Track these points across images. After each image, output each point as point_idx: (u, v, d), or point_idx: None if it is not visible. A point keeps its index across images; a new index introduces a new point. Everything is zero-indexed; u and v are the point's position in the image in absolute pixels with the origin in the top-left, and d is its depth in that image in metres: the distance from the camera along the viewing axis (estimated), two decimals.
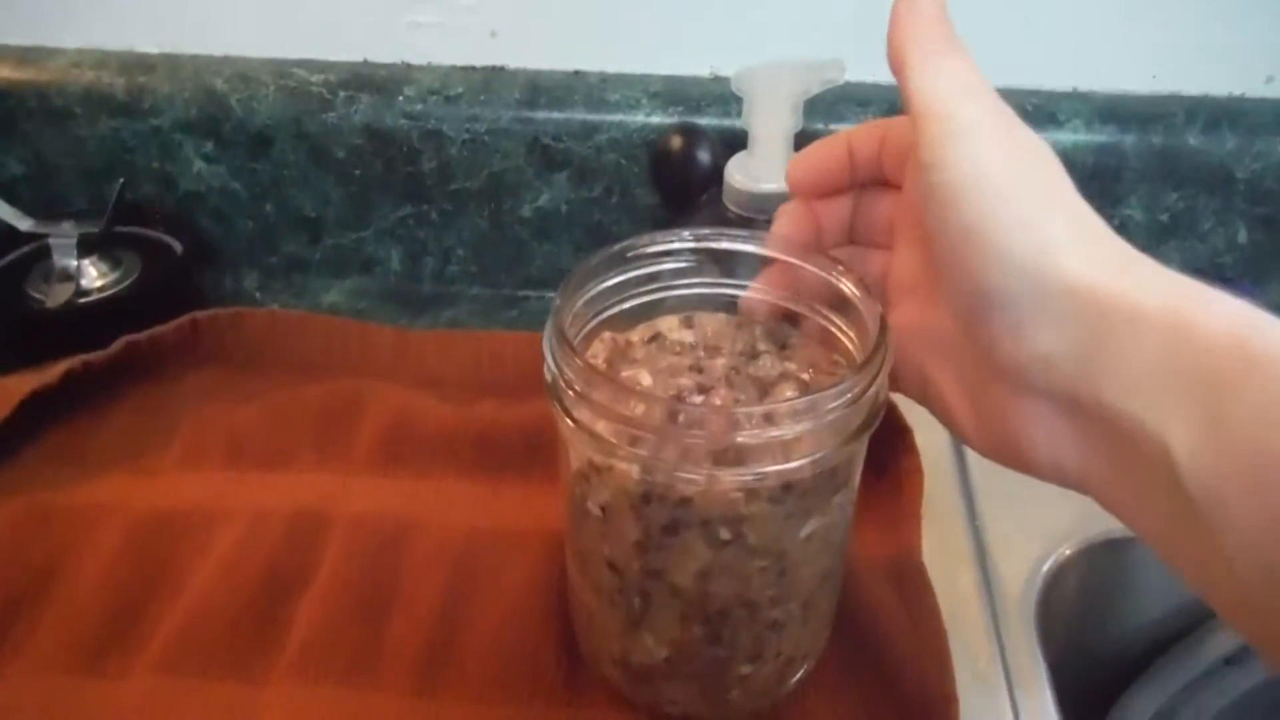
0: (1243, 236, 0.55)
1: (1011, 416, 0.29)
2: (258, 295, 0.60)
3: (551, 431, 0.47)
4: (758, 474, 0.30)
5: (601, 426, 0.31)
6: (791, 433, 0.29)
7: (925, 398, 0.33)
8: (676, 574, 0.33)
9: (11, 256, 0.56)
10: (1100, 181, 0.54)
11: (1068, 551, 0.45)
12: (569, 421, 0.32)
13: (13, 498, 0.46)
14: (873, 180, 0.35)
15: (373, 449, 0.48)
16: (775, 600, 0.34)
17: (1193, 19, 0.53)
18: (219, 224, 0.60)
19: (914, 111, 0.28)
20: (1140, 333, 0.25)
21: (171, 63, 0.58)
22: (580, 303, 0.34)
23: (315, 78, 0.57)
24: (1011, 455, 0.30)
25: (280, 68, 0.57)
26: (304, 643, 0.40)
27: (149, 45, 0.59)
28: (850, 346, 0.34)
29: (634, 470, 0.31)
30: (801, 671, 0.37)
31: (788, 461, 0.30)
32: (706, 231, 0.36)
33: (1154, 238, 0.55)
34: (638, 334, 0.37)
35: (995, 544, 0.45)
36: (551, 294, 0.60)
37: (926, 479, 0.46)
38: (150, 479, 0.47)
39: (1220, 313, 0.24)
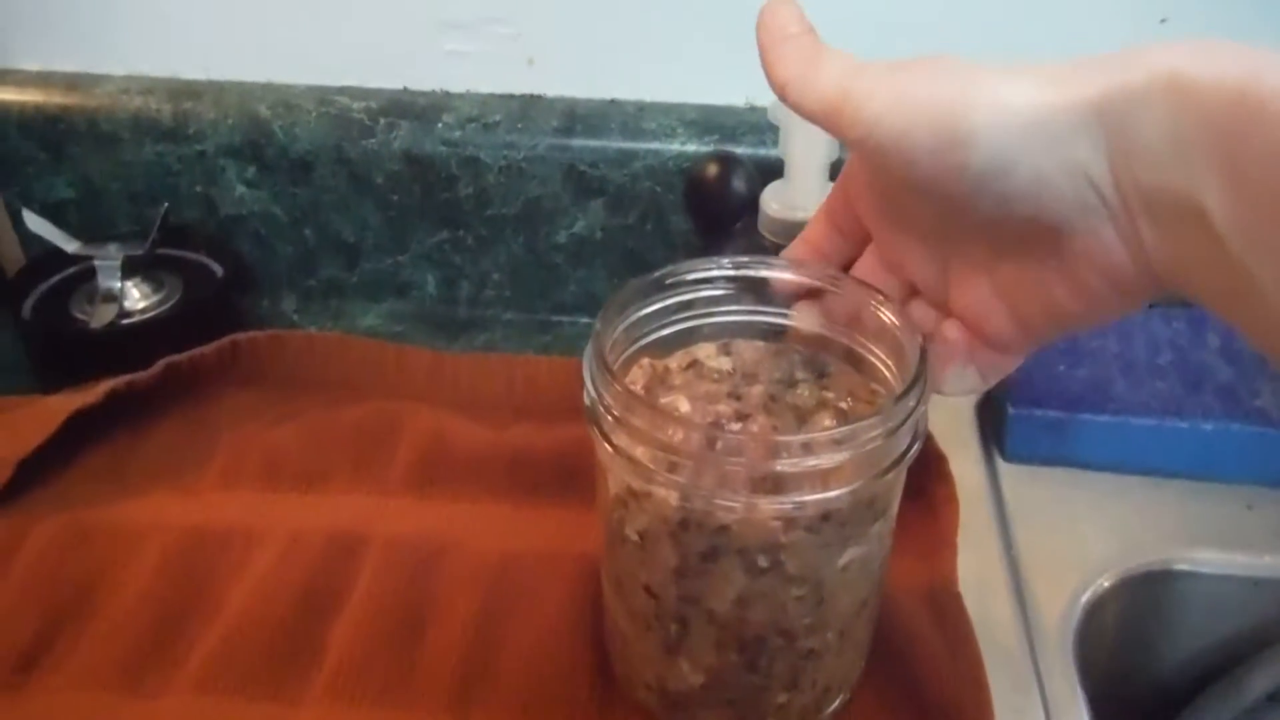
0: None
1: (1077, 270, 0.28)
2: (296, 318, 0.61)
3: (586, 456, 0.47)
4: (796, 503, 0.30)
5: (640, 452, 0.31)
6: (830, 462, 0.30)
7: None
8: (714, 600, 0.33)
9: (57, 278, 0.57)
10: None
11: (1106, 583, 0.45)
12: (608, 447, 0.32)
13: (55, 515, 0.47)
14: (863, 236, 0.35)
15: (408, 471, 0.49)
16: (812, 629, 0.34)
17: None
18: (259, 248, 0.61)
19: (823, 119, 0.29)
20: (1150, 106, 0.24)
21: (216, 89, 0.59)
22: (620, 329, 0.34)
23: (356, 105, 0.58)
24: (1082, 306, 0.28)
25: (322, 94, 0.58)
26: (340, 663, 0.40)
27: (194, 72, 0.60)
28: (889, 375, 0.34)
29: (673, 497, 0.31)
30: (839, 702, 0.37)
31: (826, 490, 0.30)
32: (745, 259, 0.37)
33: None
34: (675, 360, 0.37)
35: (1032, 574, 0.45)
36: (586, 319, 0.61)
37: (962, 506, 0.46)
38: (189, 498, 0.48)
39: (1218, 66, 0.23)
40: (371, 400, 0.53)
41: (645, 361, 0.36)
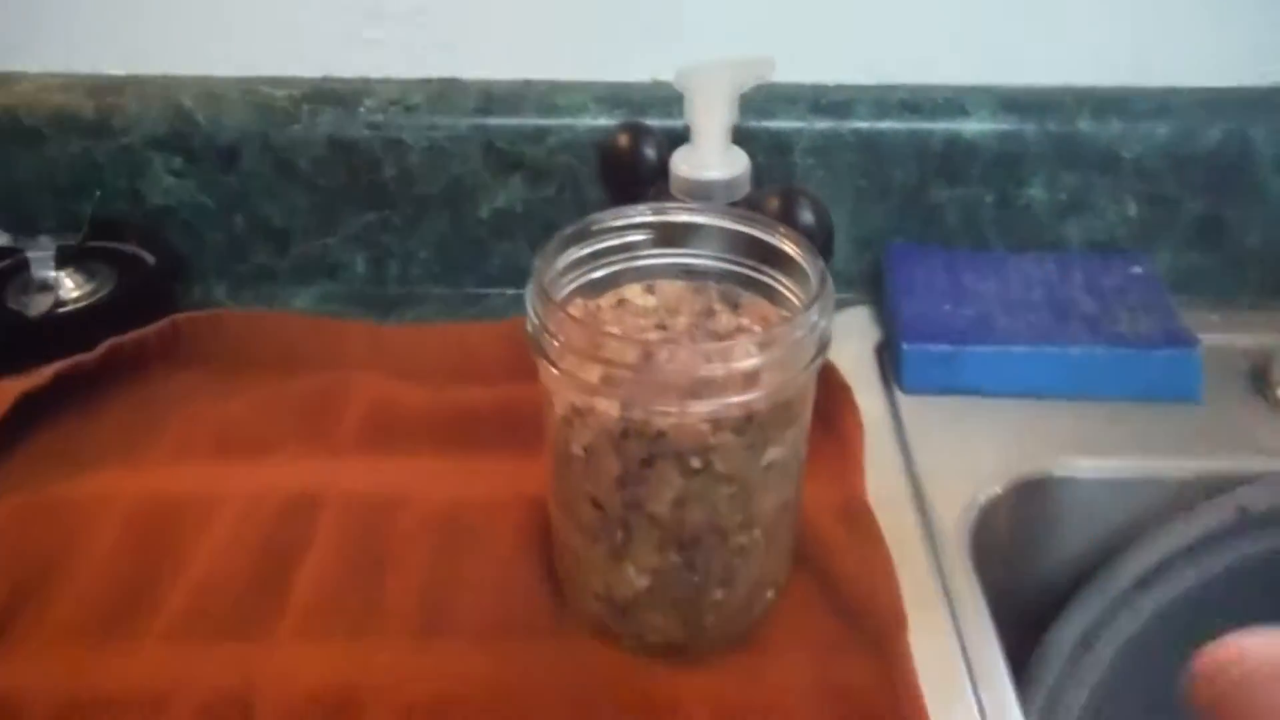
0: (1132, 211, 0.61)
1: None
2: (228, 304, 0.63)
3: (525, 410, 0.51)
4: (723, 404, 0.34)
5: (583, 371, 0.35)
6: (749, 366, 0.34)
7: None
8: (654, 503, 0.37)
9: None
10: (1005, 166, 0.60)
11: (996, 490, 0.50)
12: (553, 370, 0.36)
13: (11, 494, 0.48)
14: None
15: (356, 433, 0.52)
16: (742, 526, 0.38)
17: (1081, 19, 0.59)
18: (188, 236, 0.63)
19: None
20: None
21: (137, 83, 0.60)
22: (556, 269, 0.38)
23: (279, 93, 0.60)
24: None
25: (245, 85, 0.60)
26: (306, 606, 0.43)
27: (114, 68, 0.61)
28: (795, 300, 0.39)
29: (614, 409, 0.35)
30: (769, 597, 0.41)
31: (748, 393, 0.34)
32: (663, 205, 0.41)
33: (1056, 215, 0.61)
34: (605, 300, 0.41)
35: (931, 487, 0.50)
36: (512, 290, 0.64)
37: (866, 433, 0.51)
38: (142, 472, 0.50)
39: None
40: (314, 372, 0.55)
41: (578, 302, 0.40)
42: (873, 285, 0.62)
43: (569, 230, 0.39)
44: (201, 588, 0.44)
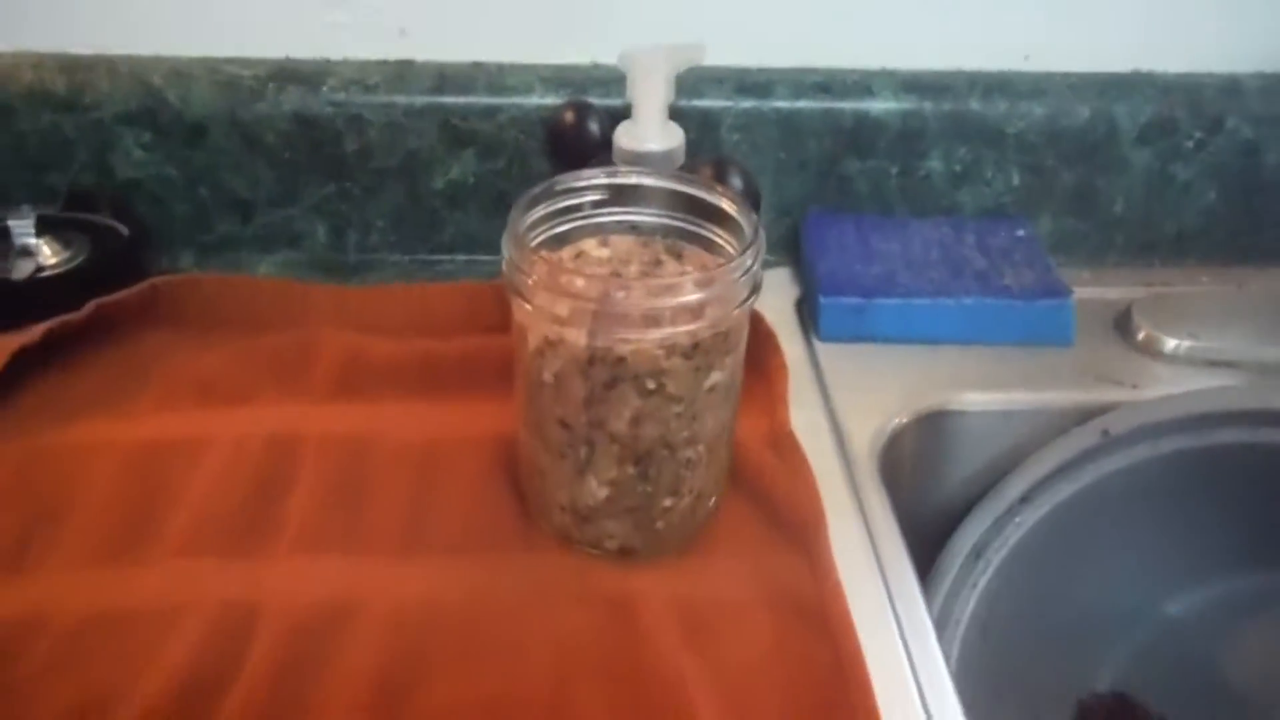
0: (1016, 181, 0.69)
1: None
2: (194, 272, 0.67)
3: (486, 359, 0.57)
4: (674, 332, 0.41)
5: (555, 306, 0.41)
6: (695, 299, 0.40)
7: None
8: (614, 422, 0.43)
9: None
10: (907, 141, 0.67)
11: (904, 420, 0.58)
12: (527, 306, 0.42)
13: (10, 441, 0.52)
14: None
15: (330, 381, 0.57)
16: (689, 441, 0.44)
17: (973, 11, 0.67)
18: (155, 208, 0.66)
19: None
20: None
21: (108, 62, 0.64)
22: (525, 223, 0.44)
23: (245, 72, 0.64)
24: None
25: (212, 64, 0.64)
26: (299, 527, 0.48)
27: (83, 48, 0.65)
28: (730, 250, 0.45)
29: (581, 338, 0.41)
30: (710, 505, 0.48)
31: (694, 323, 0.41)
32: (616, 169, 0.47)
33: (951, 184, 0.69)
34: (566, 253, 0.47)
35: (845, 419, 0.57)
36: (464, 256, 0.70)
37: (789, 374, 0.58)
38: (131, 420, 0.54)
39: None
40: (285, 329, 0.60)
41: (542, 253, 0.46)
42: (792, 248, 0.69)
43: (537, 190, 0.45)
44: (200, 516, 0.49)
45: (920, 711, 0.42)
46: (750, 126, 0.66)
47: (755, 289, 0.43)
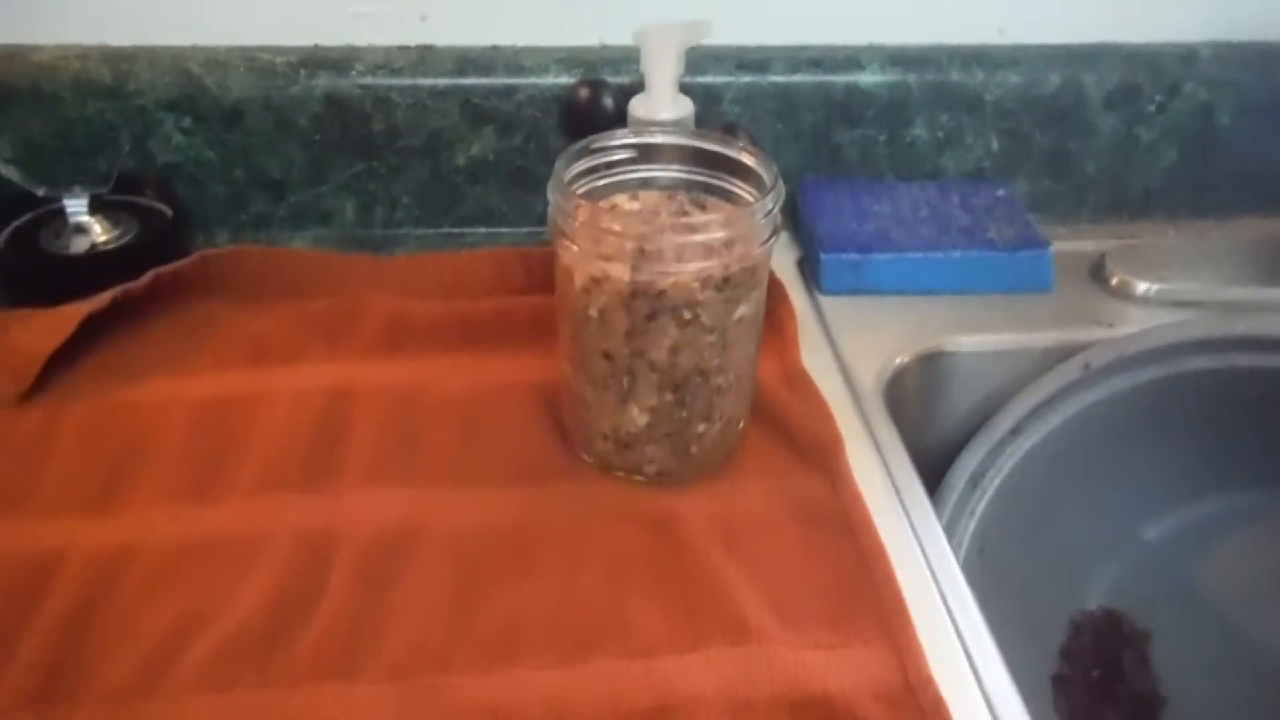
0: (995, 145, 0.75)
1: None
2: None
3: (519, 316, 0.62)
4: (707, 266, 0.46)
5: (599, 245, 0.46)
6: (726, 236, 0.45)
7: None
8: (654, 351, 0.48)
9: (23, 219, 0.65)
10: (893, 110, 0.73)
11: (906, 359, 0.63)
12: (574, 247, 0.46)
13: (81, 400, 0.56)
14: None
15: (375, 341, 0.61)
16: (720, 369, 0.49)
17: None
18: (193, 189, 0.70)
19: None
20: None
21: (149, 53, 0.68)
22: (567, 177, 0.49)
23: (279, 60, 0.68)
24: None
25: (247, 53, 0.69)
26: (361, 464, 0.53)
27: (124, 40, 0.69)
28: (750, 199, 0.50)
29: (625, 273, 0.46)
30: (739, 429, 0.53)
31: (726, 258, 0.46)
32: (643, 128, 0.52)
33: (935, 150, 0.74)
34: (601, 206, 0.52)
35: (851, 361, 0.62)
36: (484, 229, 0.74)
37: (799, 319, 0.63)
38: (192, 379, 0.58)
39: None
40: (328, 294, 0.64)
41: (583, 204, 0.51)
42: (790, 213, 0.74)
43: (576, 147, 0.50)
44: (269, 459, 0.53)
45: (938, 599, 0.47)
46: (749, 100, 0.71)
47: (776, 230, 0.48)
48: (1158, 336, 0.63)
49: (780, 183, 0.48)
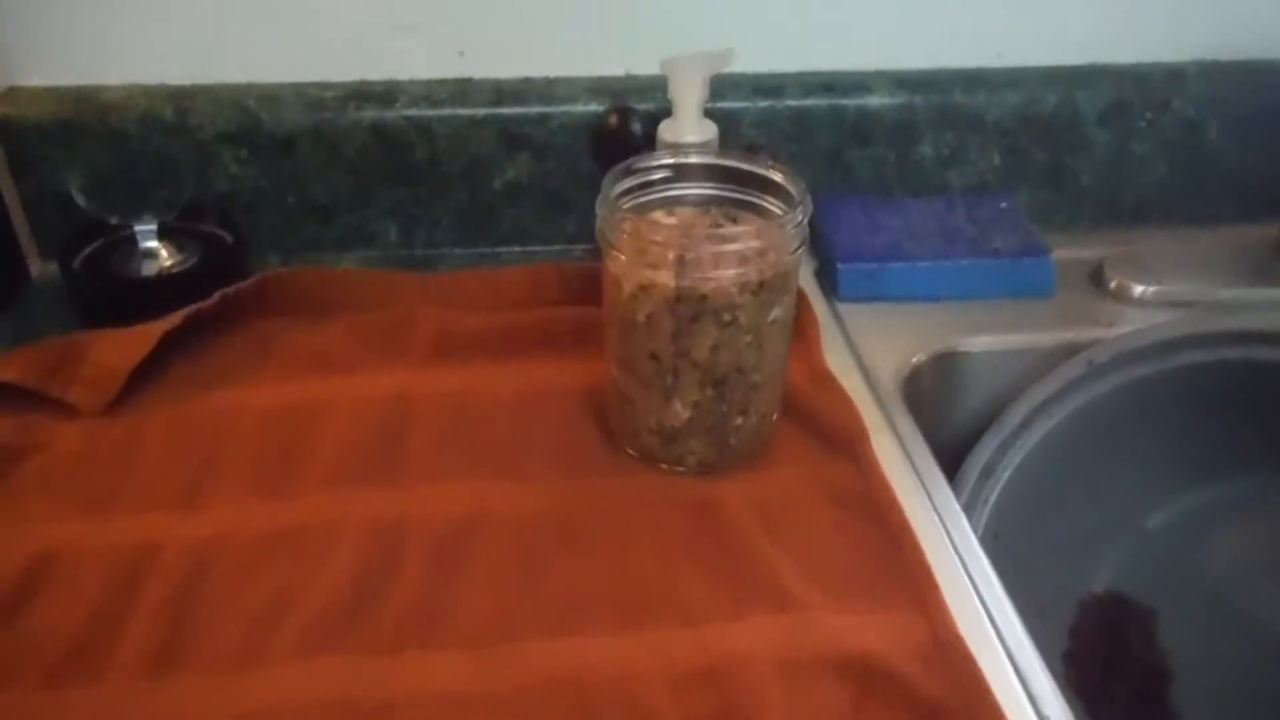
0: (997, 161, 0.80)
1: None
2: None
3: (561, 326, 0.66)
4: (744, 272, 0.50)
5: (646, 255, 0.50)
6: (761, 245, 0.50)
7: None
8: (697, 351, 0.52)
9: (95, 244, 0.70)
10: (901, 131, 0.78)
11: (922, 357, 0.68)
12: (621, 257, 0.51)
13: (164, 407, 0.61)
14: None
15: (427, 351, 0.66)
16: (755, 367, 0.54)
17: (953, 16, 0.78)
18: (249, 215, 0.75)
19: None
20: None
21: (208, 91, 0.73)
22: (613, 195, 0.54)
23: (327, 94, 0.74)
24: None
25: (298, 88, 0.74)
26: (423, 461, 0.57)
27: (183, 80, 0.74)
28: (778, 212, 0.55)
29: (670, 279, 0.50)
30: (772, 422, 0.58)
31: (761, 264, 0.51)
32: (679, 149, 0.57)
33: (941, 167, 0.79)
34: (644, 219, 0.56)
35: (870, 362, 0.67)
36: (519, 248, 0.79)
37: (820, 325, 0.68)
38: (260, 388, 0.63)
39: None
40: (381, 308, 0.69)
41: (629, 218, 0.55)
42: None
43: (620, 167, 0.55)
44: (337, 458, 0.57)
45: (961, 571, 0.52)
46: (766, 123, 0.77)
47: (804, 240, 0.53)
48: (1154, 334, 0.68)
49: (808, 197, 0.53)
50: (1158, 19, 0.79)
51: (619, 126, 0.73)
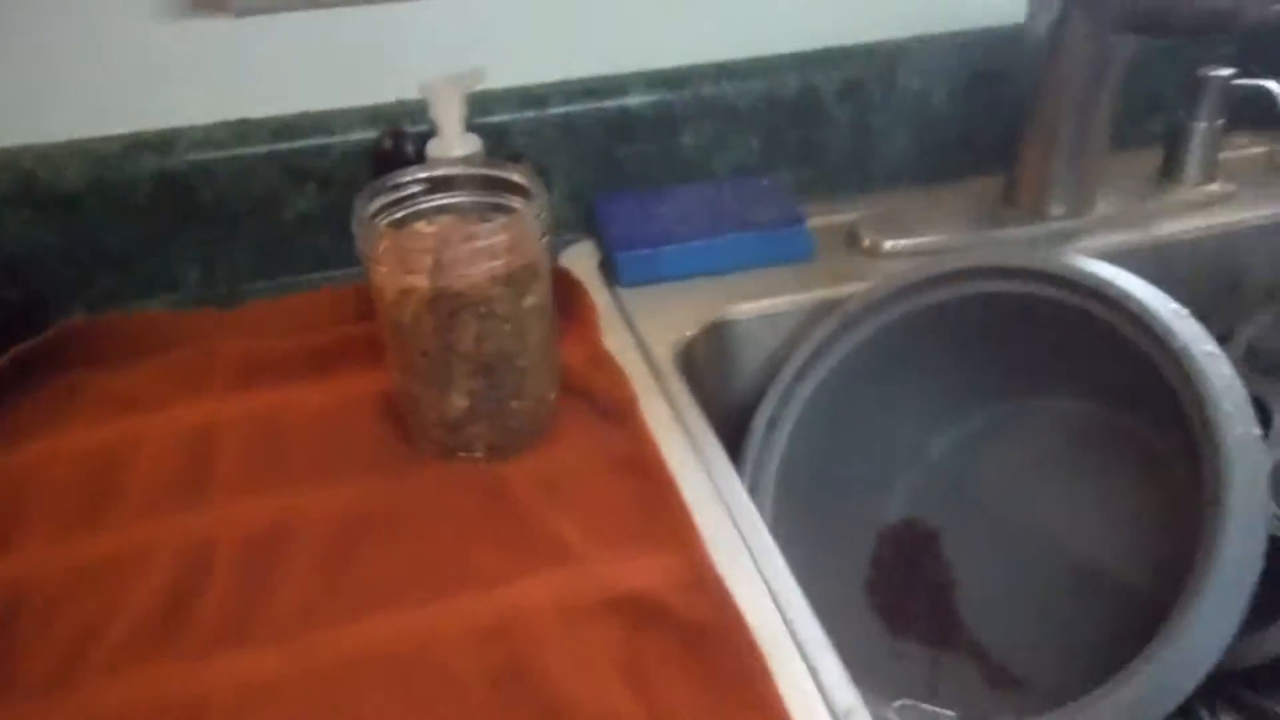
0: (754, 145, 0.87)
1: None
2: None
3: (355, 344, 0.70)
4: (493, 266, 0.56)
5: (402, 263, 0.55)
6: (506, 239, 0.55)
7: None
8: (462, 344, 0.57)
9: None
10: (663, 126, 0.84)
11: (693, 332, 0.74)
12: (382, 269, 0.56)
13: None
14: None
15: (231, 380, 0.69)
16: (520, 352, 0.59)
17: (699, 15, 0.85)
18: (42, 272, 0.77)
19: None
20: None
21: None
22: (369, 212, 0.58)
23: (107, 147, 0.76)
24: None
25: (76, 145, 0.76)
26: (231, 479, 0.61)
27: None
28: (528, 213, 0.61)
29: (426, 282, 0.55)
30: (550, 402, 0.63)
31: (509, 257, 0.56)
32: (430, 165, 0.62)
33: (704, 155, 0.86)
34: (403, 231, 0.61)
35: (648, 339, 0.73)
36: (319, 274, 0.82)
37: (600, 316, 0.74)
38: (66, 438, 0.65)
39: None
40: (182, 346, 0.72)
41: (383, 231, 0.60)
42: (589, 225, 0.85)
43: (370, 187, 0.59)
44: (146, 490, 0.60)
45: (726, 514, 0.57)
46: (535, 131, 0.82)
47: (546, 231, 0.58)
48: (894, 281, 0.75)
49: (544, 191, 0.58)
50: (882, 1, 0.88)
51: (393, 150, 0.77)
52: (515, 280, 0.57)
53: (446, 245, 0.55)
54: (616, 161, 0.85)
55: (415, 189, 0.61)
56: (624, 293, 0.79)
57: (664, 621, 0.50)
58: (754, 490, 0.76)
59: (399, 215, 0.61)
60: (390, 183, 0.60)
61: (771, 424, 0.76)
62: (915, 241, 0.83)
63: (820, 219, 0.84)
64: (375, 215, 0.59)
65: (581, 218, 0.86)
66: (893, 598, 0.79)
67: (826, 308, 0.78)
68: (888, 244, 0.83)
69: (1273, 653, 0.65)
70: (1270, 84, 0.79)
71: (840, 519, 0.81)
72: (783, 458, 0.77)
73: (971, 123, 0.90)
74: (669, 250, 0.79)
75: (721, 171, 0.88)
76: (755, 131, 0.87)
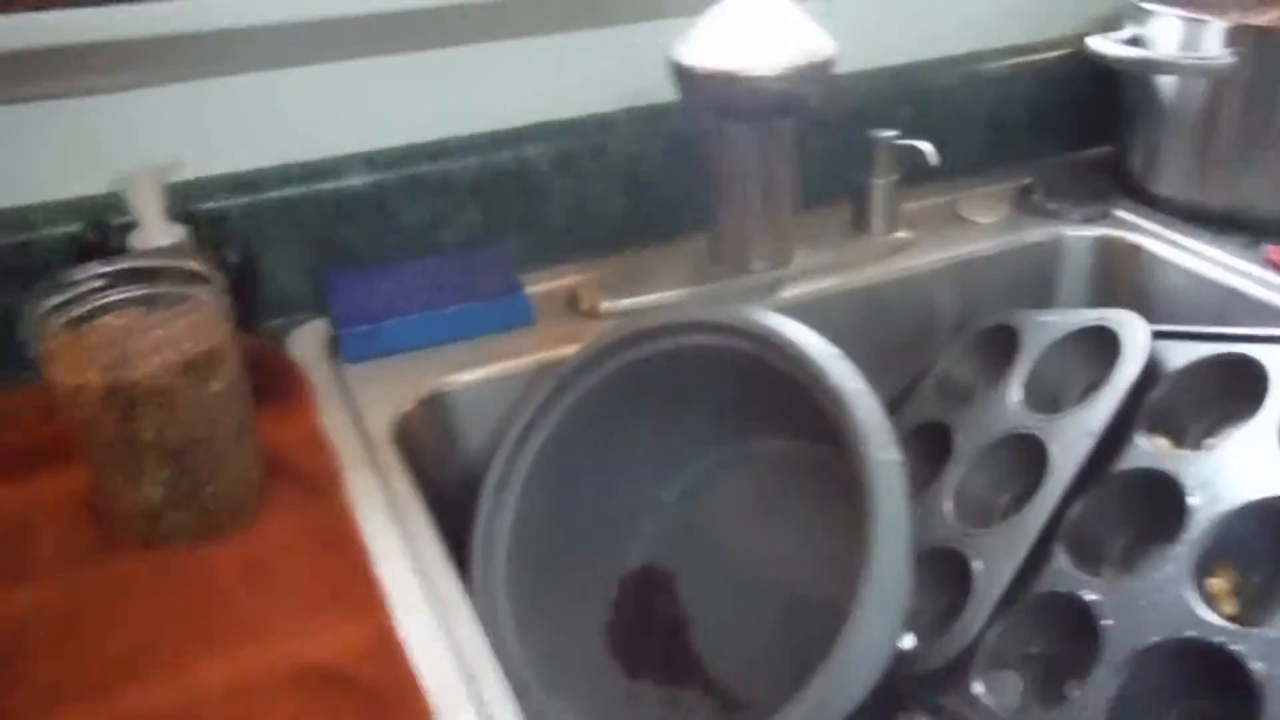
0: (476, 218, 0.91)
1: None
2: None
3: (51, 445, 0.69)
4: (167, 357, 0.57)
5: (79, 363, 0.56)
6: (183, 327, 0.57)
7: None
8: (145, 434, 0.58)
9: None
10: (378, 206, 0.87)
11: (409, 406, 0.77)
12: (58, 368, 0.56)
13: None
14: None
15: None
16: (211, 437, 0.60)
17: (410, 98, 0.89)
18: None
19: None
20: None
21: None
22: (42, 311, 0.58)
23: None
24: None
25: None
26: None
27: None
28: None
29: (99, 378, 0.56)
30: (252, 482, 0.64)
31: (189, 344, 0.57)
32: (111, 260, 0.63)
33: (428, 231, 0.90)
34: (84, 329, 0.61)
35: (367, 415, 0.75)
36: (25, 374, 0.80)
37: (322, 391, 0.75)
38: None
39: None
40: None
41: (59, 329, 0.60)
42: (320, 302, 0.87)
43: (42, 285, 0.59)
44: None
45: (417, 580, 0.60)
46: (253, 216, 0.83)
47: (226, 318, 0.60)
48: (603, 340, 0.80)
49: (219, 280, 0.60)
50: (583, 74, 0.94)
51: (98, 242, 0.77)
52: (196, 367, 0.58)
53: (121, 339, 0.56)
54: (341, 241, 0.87)
55: (96, 283, 0.62)
56: (349, 369, 0.81)
57: (342, 691, 0.52)
58: (487, 549, 0.78)
59: (81, 310, 0.61)
60: (68, 280, 0.61)
61: (501, 485, 0.79)
62: (631, 301, 0.88)
63: (543, 285, 0.89)
64: (50, 313, 0.59)
65: (312, 295, 0.87)
66: (630, 641, 0.83)
67: (547, 370, 0.82)
68: (605, 304, 0.88)
69: (952, 654, 0.72)
70: (922, 144, 0.89)
71: (579, 571, 0.84)
72: (516, 516, 0.79)
73: (681, 185, 0.97)
74: (390, 324, 0.82)
75: (449, 244, 0.91)
76: (476, 205, 0.91)
